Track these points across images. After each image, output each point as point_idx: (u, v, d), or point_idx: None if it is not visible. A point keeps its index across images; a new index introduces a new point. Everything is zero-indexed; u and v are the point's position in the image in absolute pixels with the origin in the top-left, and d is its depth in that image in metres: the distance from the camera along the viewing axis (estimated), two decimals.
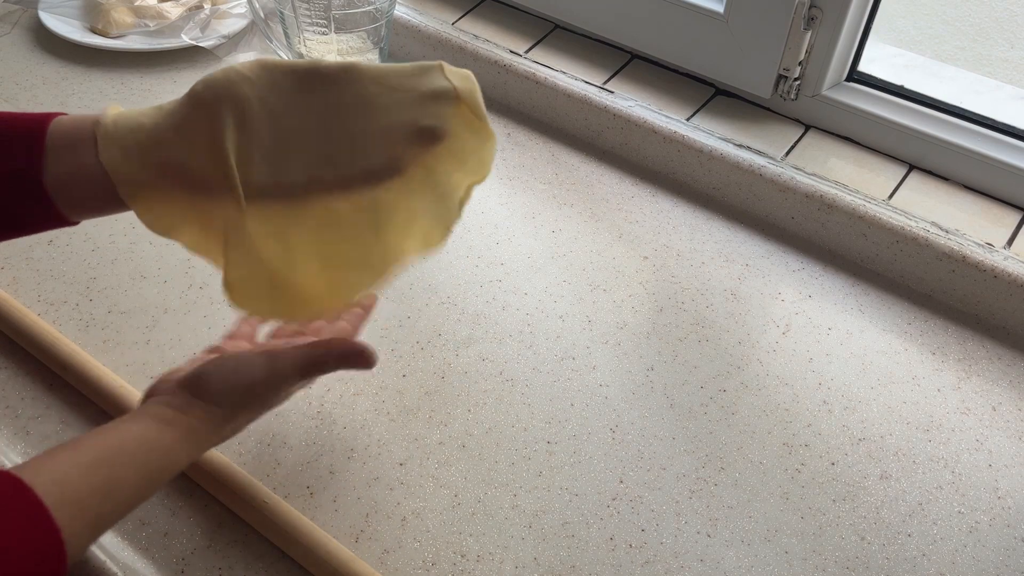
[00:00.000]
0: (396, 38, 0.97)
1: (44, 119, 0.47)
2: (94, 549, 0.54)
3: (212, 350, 0.55)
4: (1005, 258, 0.70)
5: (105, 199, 0.47)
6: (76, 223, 0.49)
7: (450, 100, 0.47)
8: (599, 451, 0.61)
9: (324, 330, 0.57)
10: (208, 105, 0.45)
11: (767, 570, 0.55)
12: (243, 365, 0.50)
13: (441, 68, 0.48)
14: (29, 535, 0.38)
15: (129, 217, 0.78)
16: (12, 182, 0.46)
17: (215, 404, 0.48)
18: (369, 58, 0.90)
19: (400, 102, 0.46)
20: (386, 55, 0.92)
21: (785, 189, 0.78)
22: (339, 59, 0.47)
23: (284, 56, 0.91)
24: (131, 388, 0.61)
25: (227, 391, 0.49)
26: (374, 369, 0.65)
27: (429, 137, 0.47)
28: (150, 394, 0.50)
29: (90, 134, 0.46)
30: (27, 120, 0.47)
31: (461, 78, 0.48)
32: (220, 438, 0.50)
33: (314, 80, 0.46)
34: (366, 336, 0.68)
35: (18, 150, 0.46)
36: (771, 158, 0.80)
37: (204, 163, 0.45)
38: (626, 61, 0.91)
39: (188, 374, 0.50)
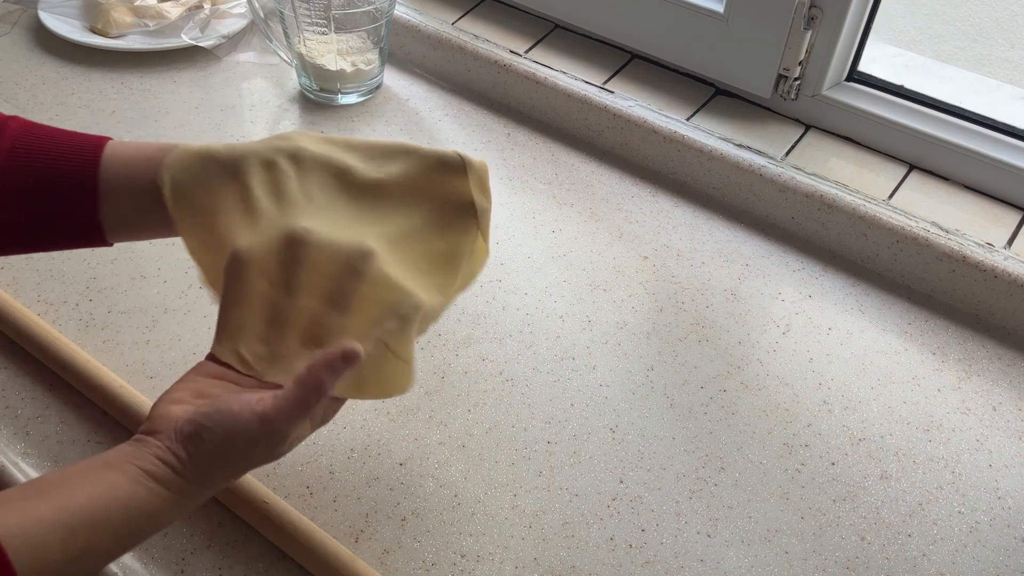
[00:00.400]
0: (396, 38, 0.97)
1: (95, 154, 0.50)
2: None
3: (211, 358, 0.49)
4: (1005, 258, 0.70)
5: (157, 231, 0.52)
6: (111, 245, 0.52)
7: (472, 218, 0.51)
8: (599, 451, 0.61)
9: None
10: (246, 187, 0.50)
11: (767, 570, 0.55)
12: (236, 434, 0.44)
13: (465, 170, 0.51)
14: None
15: None
16: (67, 219, 0.50)
17: (207, 469, 0.44)
18: (369, 58, 0.90)
19: (431, 212, 0.51)
20: (386, 55, 0.92)
21: (785, 189, 0.78)
22: (371, 167, 0.52)
23: (283, 56, 0.91)
24: (131, 388, 0.61)
25: (220, 461, 0.44)
26: None
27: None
28: (149, 431, 0.45)
29: (150, 182, 0.49)
30: (77, 152, 0.50)
31: (481, 191, 0.52)
32: (204, 499, 0.46)
33: (345, 183, 0.51)
34: None
35: (74, 192, 0.49)
36: (771, 158, 0.80)
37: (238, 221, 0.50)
38: (626, 61, 0.91)
39: (185, 427, 0.44)
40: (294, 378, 0.44)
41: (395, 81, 0.95)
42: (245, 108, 0.90)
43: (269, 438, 0.44)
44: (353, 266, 0.48)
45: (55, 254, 0.72)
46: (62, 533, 0.39)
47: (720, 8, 0.82)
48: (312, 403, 0.44)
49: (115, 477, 0.42)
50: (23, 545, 0.38)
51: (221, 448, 0.44)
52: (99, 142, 0.50)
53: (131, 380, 0.62)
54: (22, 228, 0.50)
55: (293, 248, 0.47)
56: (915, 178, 0.78)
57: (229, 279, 0.48)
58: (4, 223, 0.49)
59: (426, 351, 0.67)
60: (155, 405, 0.46)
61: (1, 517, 0.38)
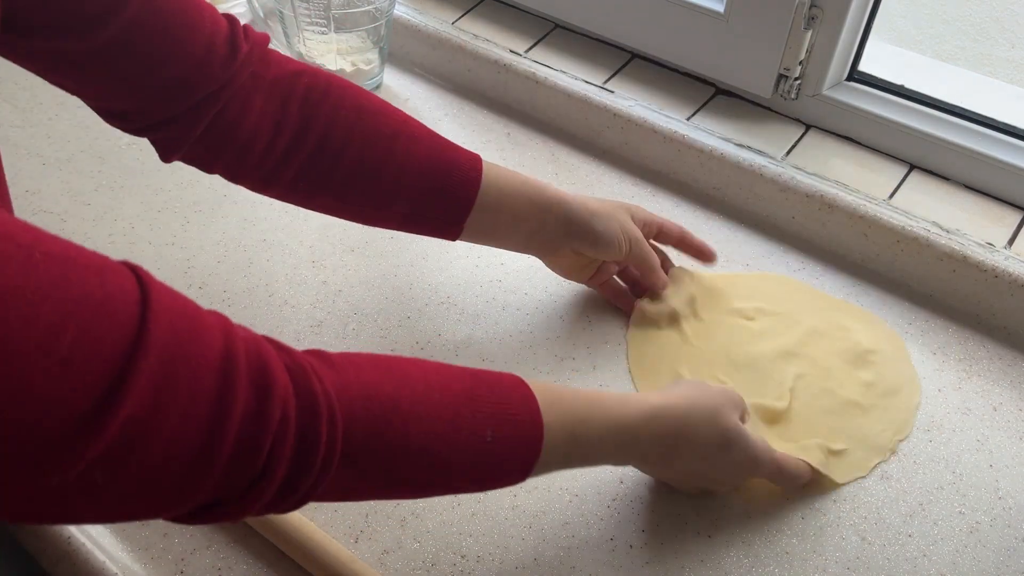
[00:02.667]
0: (396, 38, 0.97)
1: (477, 176, 0.60)
2: (94, 549, 0.54)
3: None
4: (1006, 258, 0.70)
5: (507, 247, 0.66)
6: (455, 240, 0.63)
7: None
8: None
9: None
10: None
11: (767, 570, 0.55)
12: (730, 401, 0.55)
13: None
14: (523, 412, 0.46)
15: (127, 217, 0.78)
16: (442, 220, 0.61)
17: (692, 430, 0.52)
18: (369, 57, 0.90)
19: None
20: (386, 55, 0.92)
21: (785, 189, 0.78)
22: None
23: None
24: None
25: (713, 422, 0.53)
26: None
27: None
28: None
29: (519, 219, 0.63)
30: (465, 172, 0.60)
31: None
32: (668, 466, 0.54)
33: None
34: (362, 337, 0.68)
35: (456, 204, 0.60)
36: (771, 158, 0.80)
37: None
38: (626, 61, 0.91)
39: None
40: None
41: (395, 81, 0.95)
42: None
43: (753, 468, 0.55)
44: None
45: None
46: (570, 395, 0.49)
47: (720, 8, 0.82)
48: (784, 476, 0.57)
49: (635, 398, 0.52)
50: (539, 388, 0.47)
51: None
52: (478, 164, 0.60)
53: None
54: (408, 216, 0.60)
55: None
56: (915, 178, 0.78)
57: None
58: (401, 209, 0.60)
59: (426, 351, 0.67)
60: None
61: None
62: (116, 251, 0.73)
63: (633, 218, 0.67)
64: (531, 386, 0.47)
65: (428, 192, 0.59)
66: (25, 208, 0.76)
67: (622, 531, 0.57)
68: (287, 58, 0.58)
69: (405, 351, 0.67)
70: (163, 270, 0.72)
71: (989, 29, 2.30)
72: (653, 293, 0.70)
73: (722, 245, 0.78)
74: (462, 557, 0.55)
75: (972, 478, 0.61)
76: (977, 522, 0.58)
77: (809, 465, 0.58)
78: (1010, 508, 0.59)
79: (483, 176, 0.60)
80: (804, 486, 0.58)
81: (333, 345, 0.66)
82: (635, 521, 0.57)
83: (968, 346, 0.70)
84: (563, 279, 0.73)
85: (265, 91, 0.55)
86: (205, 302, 0.70)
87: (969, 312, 0.73)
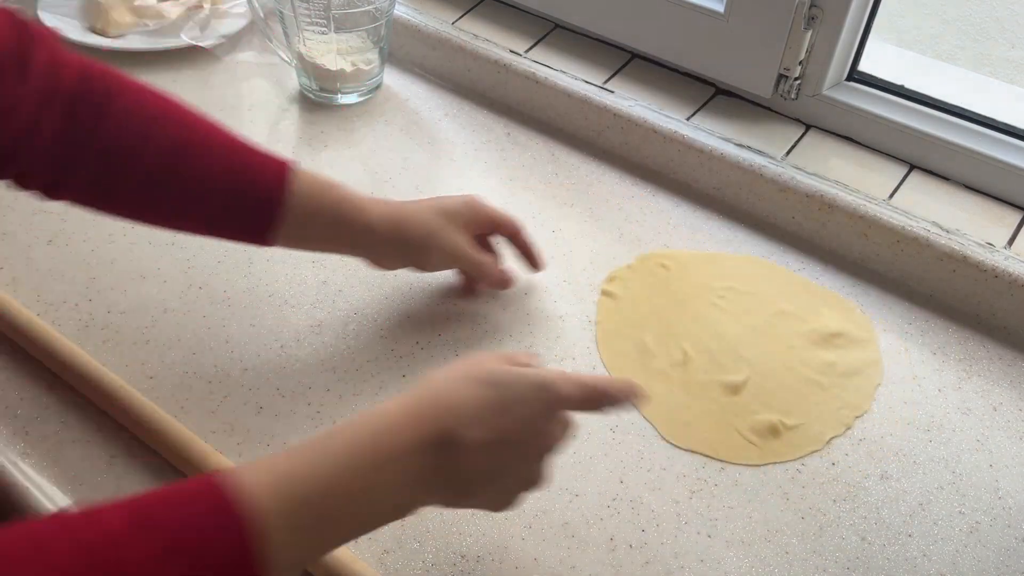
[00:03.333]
0: (396, 38, 0.97)
1: (282, 183, 0.58)
2: None
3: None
4: (1006, 258, 0.70)
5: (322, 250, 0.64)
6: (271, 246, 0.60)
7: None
8: (599, 451, 0.61)
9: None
10: None
11: (767, 570, 0.55)
12: (509, 381, 0.46)
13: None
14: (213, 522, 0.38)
15: None
16: (247, 230, 0.59)
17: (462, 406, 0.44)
18: (369, 57, 0.90)
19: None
20: (386, 55, 0.92)
21: (785, 189, 0.78)
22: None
23: (283, 56, 0.91)
24: (131, 388, 0.60)
25: (485, 408, 0.45)
26: (373, 369, 0.65)
27: None
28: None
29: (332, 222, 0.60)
30: (268, 180, 0.58)
31: None
32: (464, 483, 0.45)
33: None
34: (362, 337, 0.68)
35: (261, 214, 0.58)
36: (771, 158, 0.80)
37: None
38: (626, 61, 0.91)
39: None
40: (594, 377, 0.50)
41: (395, 81, 0.95)
42: (245, 108, 0.90)
43: (542, 391, 0.46)
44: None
45: (55, 253, 0.72)
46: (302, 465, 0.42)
47: (720, 8, 0.82)
48: (594, 400, 0.48)
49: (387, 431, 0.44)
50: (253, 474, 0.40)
51: (492, 396, 0.45)
52: (282, 175, 0.58)
53: (131, 380, 0.62)
54: (208, 224, 0.59)
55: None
56: (915, 178, 0.78)
57: None
58: (197, 217, 0.59)
59: (426, 351, 0.67)
60: None
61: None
62: (116, 251, 0.73)
63: (464, 220, 0.65)
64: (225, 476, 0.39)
65: (224, 202, 0.58)
66: (25, 208, 0.76)
67: (622, 531, 0.57)
68: (69, 57, 0.55)
69: (405, 351, 0.67)
70: (163, 270, 0.72)
71: (989, 29, 2.30)
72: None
73: (722, 245, 0.78)
74: (462, 557, 0.55)
75: (972, 478, 0.61)
76: (977, 522, 0.58)
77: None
78: (1010, 508, 0.59)
79: (294, 188, 0.58)
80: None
81: (333, 345, 0.66)
82: (635, 521, 0.57)
83: (968, 346, 0.70)
84: (553, 282, 0.73)
85: (47, 99, 0.53)
86: (205, 302, 0.70)
87: (969, 312, 0.73)
